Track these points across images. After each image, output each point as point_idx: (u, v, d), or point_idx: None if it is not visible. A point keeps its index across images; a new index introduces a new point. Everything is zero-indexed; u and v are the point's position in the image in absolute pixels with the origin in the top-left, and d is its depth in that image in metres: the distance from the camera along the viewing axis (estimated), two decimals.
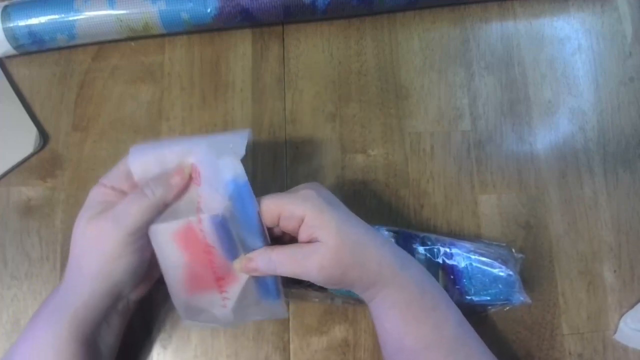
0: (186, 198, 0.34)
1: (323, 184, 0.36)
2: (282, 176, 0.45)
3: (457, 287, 0.39)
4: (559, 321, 0.43)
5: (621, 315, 0.43)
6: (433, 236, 0.41)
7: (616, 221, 0.46)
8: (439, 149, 0.46)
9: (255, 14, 0.45)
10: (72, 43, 0.46)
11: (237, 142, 0.33)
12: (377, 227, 0.40)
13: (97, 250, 0.32)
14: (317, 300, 0.41)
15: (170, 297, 0.35)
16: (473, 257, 0.40)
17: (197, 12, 0.44)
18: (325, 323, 0.42)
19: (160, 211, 0.33)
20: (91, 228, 0.32)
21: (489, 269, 0.40)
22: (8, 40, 0.44)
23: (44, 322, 0.33)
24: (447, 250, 0.40)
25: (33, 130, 0.44)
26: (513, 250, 0.42)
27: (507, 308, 0.40)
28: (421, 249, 0.40)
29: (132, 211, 0.32)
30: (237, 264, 0.33)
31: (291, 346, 0.41)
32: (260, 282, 0.34)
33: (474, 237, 0.44)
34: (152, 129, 0.46)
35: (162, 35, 0.48)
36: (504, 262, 0.40)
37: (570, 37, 0.51)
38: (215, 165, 0.33)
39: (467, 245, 0.41)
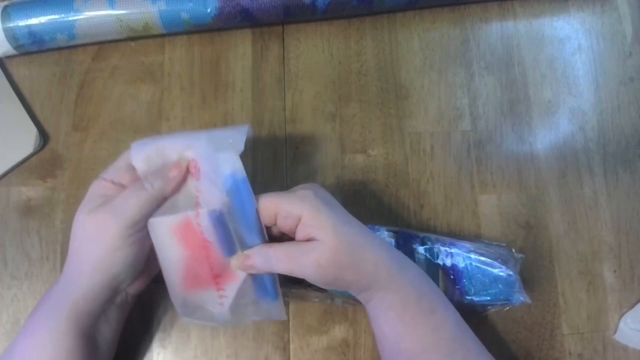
0: (186, 192, 0.34)
1: (323, 184, 0.36)
2: (282, 176, 0.45)
3: (457, 287, 0.39)
4: (559, 321, 0.43)
5: (621, 315, 0.43)
6: (433, 236, 0.41)
7: (616, 221, 0.46)
8: (439, 149, 0.46)
9: (255, 14, 0.45)
10: (72, 43, 0.46)
11: (237, 138, 0.33)
12: (377, 227, 0.40)
13: (96, 243, 0.32)
14: (317, 300, 0.41)
15: (169, 294, 0.35)
16: (473, 257, 0.40)
17: (197, 12, 0.44)
18: (325, 323, 0.42)
19: (159, 204, 0.33)
20: (90, 221, 0.33)
21: (489, 269, 0.40)
22: (8, 40, 0.44)
23: (43, 315, 0.33)
24: (447, 250, 0.40)
25: (33, 130, 0.44)
26: (513, 250, 0.42)
27: (507, 308, 0.40)
28: (421, 249, 0.40)
29: (131, 204, 0.32)
30: (234, 261, 0.33)
31: (291, 346, 0.41)
32: (258, 281, 0.34)
33: (474, 237, 0.44)
34: (152, 129, 0.46)
35: (162, 35, 0.48)
36: (504, 262, 0.40)
37: (570, 37, 0.51)
38: (214, 160, 0.33)
39: (467, 245, 0.41)
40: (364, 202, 0.45)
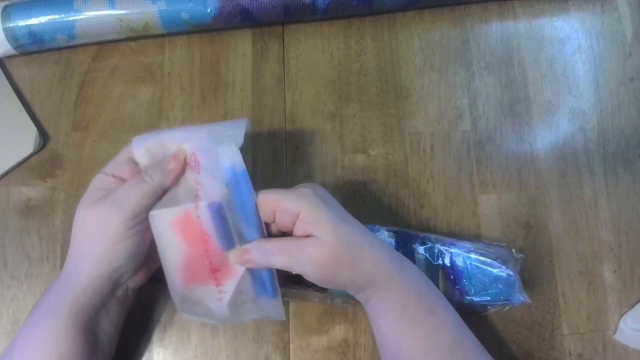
0: (186, 186, 0.34)
1: (323, 184, 0.36)
2: (282, 176, 0.45)
3: (457, 287, 0.39)
4: (559, 321, 0.43)
5: (621, 315, 0.43)
6: (433, 236, 0.41)
7: (616, 221, 0.46)
8: (439, 149, 0.46)
9: (255, 14, 0.45)
10: (72, 43, 0.46)
11: (236, 131, 0.34)
12: (377, 227, 0.40)
13: (97, 235, 0.32)
14: (317, 300, 0.41)
15: (168, 289, 0.35)
16: (473, 257, 0.40)
17: (197, 12, 0.44)
18: (325, 323, 0.42)
19: (159, 196, 0.34)
20: (91, 214, 0.33)
21: (489, 269, 0.40)
22: (8, 40, 0.44)
23: (43, 310, 0.33)
24: (447, 250, 0.40)
25: (33, 130, 0.44)
26: (513, 250, 0.42)
27: (507, 308, 0.40)
28: (421, 249, 0.40)
29: (131, 196, 0.32)
30: (233, 255, 0.34)
31: (291, 346, 0.41)
32: (257, 278, 0.34)
33: (474, 237, 0.44)
34: (152, 129, 0.45)
35: (162, 35, 0.48)
36: (504, 262, 0.40)
37: (570, 37, 0.51)
38: (214, 153, 0.33)
39: (467, 245, 0.41)
40: (364, 202, 0.45)
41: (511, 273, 0.39)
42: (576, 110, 0.48)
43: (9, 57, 0.46)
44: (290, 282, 0.38)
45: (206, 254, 0.33)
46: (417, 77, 0.48)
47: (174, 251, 0.34)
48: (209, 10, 0.44)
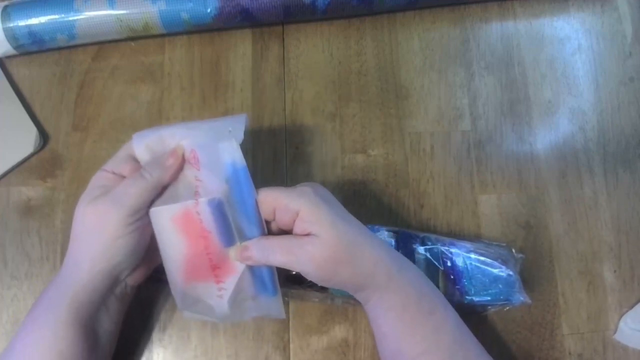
0: (186, 182, 0.34)
1: (323, 183, 0.36)
2: (282, 176, 0.45)
3: (457, 287, 0.39)
4: (559, 321, 0.43)
5: (621, 315, 0.43)
6: (433, 236, 0.41)
7: (616, 221, 0.46)
8: (439, 149, 0.46)
9: (255, 14, 0.45)
10: (72, 43, 0.46)
11: (236, 127, 0.34)
12: (377, 227, 0.40)
13: (97, 232, 0.33)
14: (317, 300, 0.41)
15: (170, 287, 0.35)
16: (473, 257, 0.40)
17: (197, 12, 0.44)
18: (325, 323, 0.42)
19: (159, 192, 0.34)
20: (91, 210, 0.33)
21: (489, 269, 0.40)
22: (8, 40, 0.44)
23: (43, 308, 0.33)
24: (447, 250, 0.40)
25: (33, 130, 0.44)
26: (513, 250, 0.42)
27: (507, 308, 0.40)
28: (421, 249, 0.40)
29: (131, 192, 0.32)
30: (233, 252, 0.34)
31: (291, 346, 0.41)
32: (257, 275, 0.34)
33: (474, 237, 0.44)
34: None
35: (162, 35, 0.48)
36: (504, 262, 0.40)
37: (570, 37, 0.51)
38: (214, 149, 0.33)
39: (467, 245, 0.41)
40: (364, 202, 0.45)
41: (511, 273, 0.39)
42: (576, 110, 0.48)
43: (9, 57, 0.46)
44: (290, 282, 0.38)
45: (206, 250, 0.33)
46: (417, 77, 0.48)
47: (174, 248, 0.34)
48: (209, 10, 0.44)
